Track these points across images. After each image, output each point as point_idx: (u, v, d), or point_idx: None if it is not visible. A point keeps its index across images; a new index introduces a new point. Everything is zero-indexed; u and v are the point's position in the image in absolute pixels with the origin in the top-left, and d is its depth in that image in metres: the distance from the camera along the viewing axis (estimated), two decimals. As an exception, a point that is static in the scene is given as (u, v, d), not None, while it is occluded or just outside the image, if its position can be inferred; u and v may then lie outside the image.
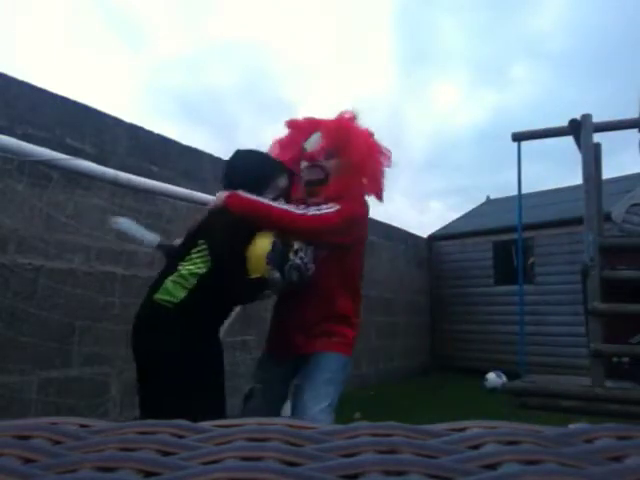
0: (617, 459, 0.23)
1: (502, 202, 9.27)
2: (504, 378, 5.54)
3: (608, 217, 3.12)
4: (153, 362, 1.48)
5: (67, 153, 1.93)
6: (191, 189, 2.38)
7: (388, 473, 0.21)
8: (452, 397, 5.43)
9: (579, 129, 2.95)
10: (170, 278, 1.50)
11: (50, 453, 0.23)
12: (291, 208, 1.59)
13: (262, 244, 1.53)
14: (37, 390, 2.72)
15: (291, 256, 1.59)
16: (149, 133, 3.59)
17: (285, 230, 1.57)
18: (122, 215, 3.06)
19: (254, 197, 1.56)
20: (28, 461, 0.23)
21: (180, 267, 1.52)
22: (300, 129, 1.80)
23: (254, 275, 1.51)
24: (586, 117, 2.94)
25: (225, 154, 3.75)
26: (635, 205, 2.95)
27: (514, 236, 5.64)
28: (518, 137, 3.28)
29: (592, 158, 2.94)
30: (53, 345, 2.75)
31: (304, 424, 0.27)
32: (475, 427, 0.26)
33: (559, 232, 6.90)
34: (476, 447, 0.24)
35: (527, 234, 6.35)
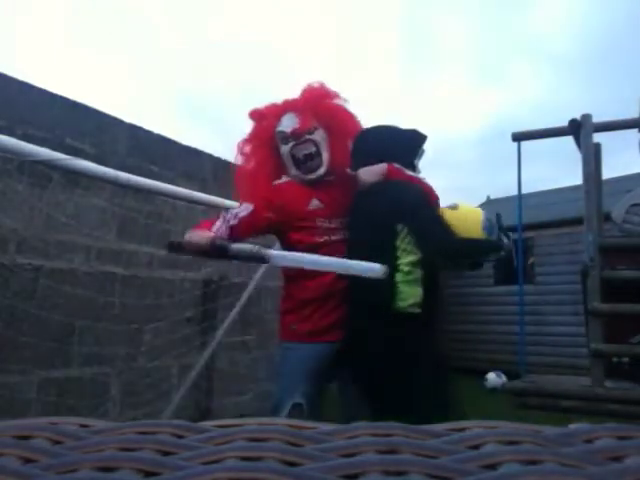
0: (617, 459, 0.23)
1: (502, 202, 9.26)
2: (504, 378, 5.54)
3: (608, 217, 3.12)
4: (412, 367, 1.37)
5: (67, 153, 1.93)
6: (191, 189, 2.38)
7: (388, 473, 0.21)
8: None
9: (579, 129, 2.95)
10: (398, 281, 1.39)
11: (50, 453, 0.23)
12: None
13: (473, 215, 1.50)
14: (37, 390, 2.72)
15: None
16: (149, 133, 3.59)
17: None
18: (122, 215, 3.07)
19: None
20: (28, 461, 0.23)
21: (397, 264, 1.40)
22: (267, 117, 1.70)
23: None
24: (586, 117, 2.94)
25: (225, 154, 3.73)
26: (635, 205, 2.94)
27: (514, 236, 5.62)
28: (518, 137, 3.28)
29: (592, 158, 2.94)
30: (53, 345, 2.75)
31: (304, 424, 0.27)
32: (475, 427, 0.26)
33: (559, 232, 6.89)
34: (476, 447, 0.24)
35: (527, 234, 6.35)
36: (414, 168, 1.60)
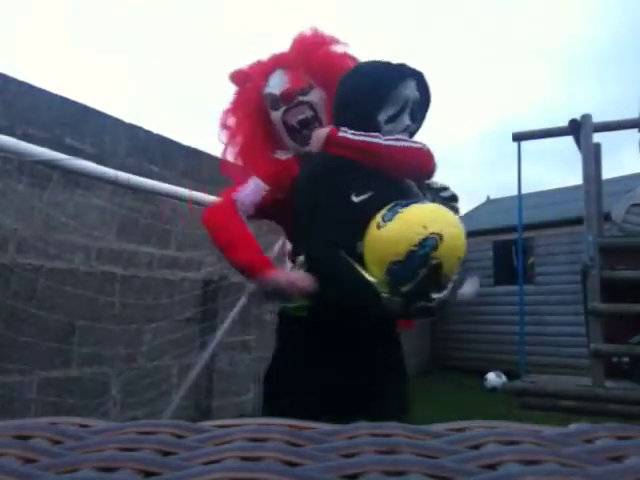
0: (617, 459, 0.23)
1: (502, 202, 9.26)
2: (504, 378, 5.54)
3: (608, 217, 3.12)
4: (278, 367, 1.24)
5: (67, 153, 1.93)
6: (191, 189, 2.38)
7: (388, 473, 0.21)
8: (452, 397, 5.43)
9: (579, 129, 2.95)
10: None
11: (50, 453, 0.23)
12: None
13: (389, 247, 0.99)
14: (37, 390, 2.72)
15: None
16: (149, 133, 3.58)
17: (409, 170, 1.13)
18: (122, 215, 3.07)
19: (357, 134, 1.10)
20: (28, 461, 0.23)
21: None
22: (252, 77, 1.37)
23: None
24: (586, 117, 2.95)
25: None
26: (635, 205, 2.95)
27: (514, 236, 5.64)
28: (518, 137, 3.29)
29: (592, 158, 2.95)
30: (53, 345, 2.75)
31: (304, 424, 0.27)
32: (475, 427, 0.26)
33: (559, 232, 6.90)
34: (476, 447, 0.24)
35: (527, 234, 6.35)
36: (377, 126, 1.13)
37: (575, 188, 5.57)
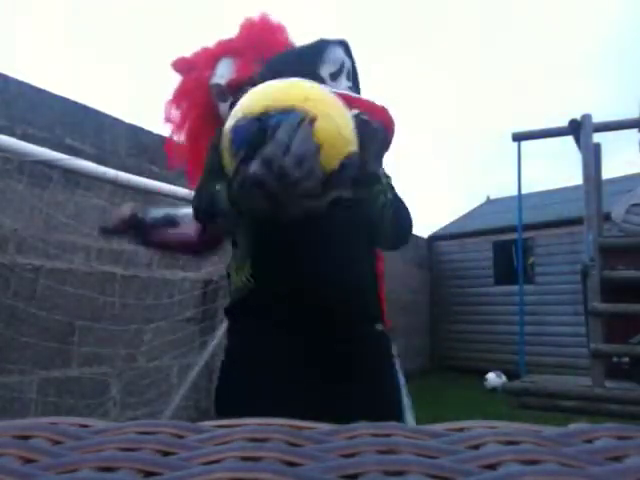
0: (617, 459, 0.23)
1: (502, 202, 9.27)
2: (504, 378, 5.55)
3: (608, 217, 3.12)
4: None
5: (67, 153, 1.93)
6: (191, 189, 2.37)
7: (388, 473, 0.21)
8: (452, 397, 5.43)
9: (579, 129, 2.95)
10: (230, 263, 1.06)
11: (50, 453, 0.23)
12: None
13: None
14: (37, 390, 2.72)
15: None
16: (149, 133, 3.58)
17: None
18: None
19: None
20: (28, 461, 0.23)
21: None
22: (197, 66, 1.26)
23: None
24: (586, 117, 2.95)
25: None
26: (635, 205, 2.95)
27: (514, 236, 5.64)
28: (518, 137, 3.29)
29: (592, 158, 2.95)
30: (53, 345, 2.75)
31: (304, 424, 0.27)
32: (475, 427, 0.26)
33: (559, 232, 6.90)
34: (476, 447, 0.24)
35: (527, 234, 6.36)
36: (323, 82, 1.07)
37: (575, 188, 5.57)
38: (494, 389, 5.56)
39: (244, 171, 0.69)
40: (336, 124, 0.72)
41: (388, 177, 0.97)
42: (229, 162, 0.76)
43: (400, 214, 0.96)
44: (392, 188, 0.95)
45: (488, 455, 0.22)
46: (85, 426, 0.27)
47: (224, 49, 1.24)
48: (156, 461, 0.22)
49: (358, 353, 0.93)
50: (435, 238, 8.67)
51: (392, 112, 1.05)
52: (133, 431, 0.26)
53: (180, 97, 1.28)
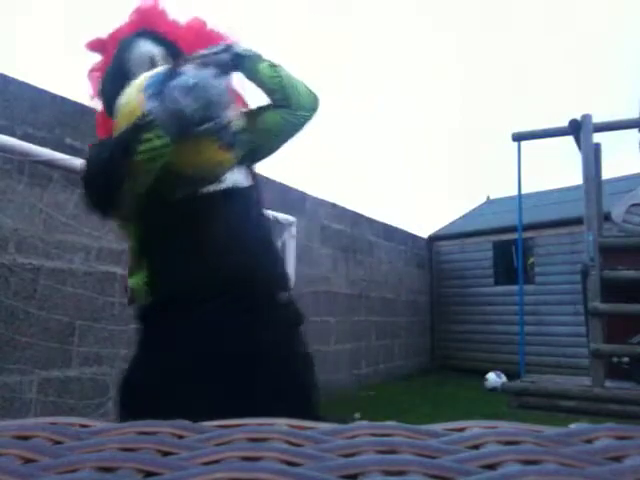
0: (617, 459, 0.23)
1: (502, 202, 9.27)
2: (504, 378, 5.55)
3: (608, 217, 3.12)
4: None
5: (67, 153, 1.93)
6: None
7: (388, 473, 0.21)
8: (452, 397, 5.43)
9: (579, 129, 2.96)
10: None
11: (50, 453, 0.23)
12: None
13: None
14: (37, 390, 2.72)
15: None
16: (149, 133, 3.58)
17: None
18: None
19: None
20: (28, 461, 0.23)
21: None
22: (108, 48, 1.22)
23: None
24: (586, 117, 2.95)
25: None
26: (635, 205, 2.95)
27: (514, 236, 5.65)
28: (518, 137, 3.29)
29: (592, 158, 2.95)
30: (53, 345, 2.75)
31: (304, 424, 0.27)
32: (475, 427, 0.26)
33: (559, 232, 6.90)
34: (476, 447, 0.24)
35: (527, 234, 6.35)
36: None
37: (575, 188, 5.57)
38: (494, 389, 5.56)
39: (174, 85, 0.85)
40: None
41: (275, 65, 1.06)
42: (135, 103, 0.88)
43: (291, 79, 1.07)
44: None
45: (488, 455, 0.22)
46: (85, 426, 0.27)
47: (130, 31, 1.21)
48: (156, 461, 0.22)
49: (264, 321, 0.95)
50: (435, 238, 8.67)
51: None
52: (133, 431, 0.26)
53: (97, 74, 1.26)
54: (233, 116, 0.94)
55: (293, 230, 3.57)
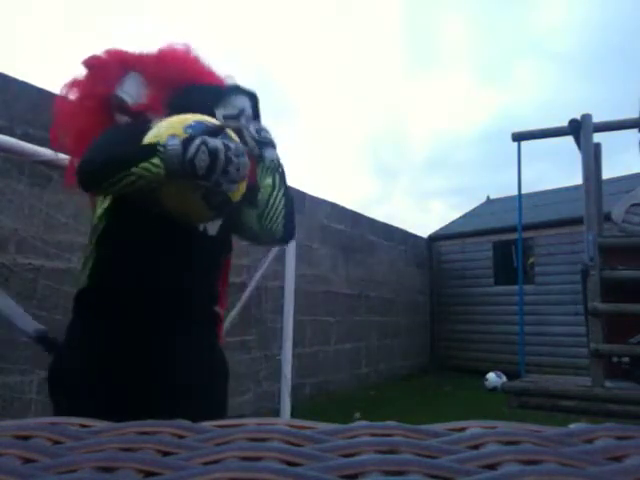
0: (617, 459, 0.23)
1: (502, 202, 9.28)
2: (504, 378, 5.55)
3: (608, 217, 3.12)
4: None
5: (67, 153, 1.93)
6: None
7: (388, 473, 0.21)
8: (452, 397, 5.43)
9: (579, 129, 2.95)
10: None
11: (50, 453, 0.23)
12: None
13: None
14: (37, 390, 2.72)
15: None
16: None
17: None
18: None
19: None
20: (28, 461, 0.23)
21: None
22: (108, 69, 1.20)
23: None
24: (586, 117, 2.95)
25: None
26: (635, 205, 2.95)
27: (514, 236, 5.64)
28: (518, 137, 3.29)
29: (592, 158, 2.95)
30: (53, 345, 2.75)
31: (304, 424, 0.27)
32: (475, 427, 0.26)
33: (559, 232, 6.90)
34: (476, 447, 0.24)
35: (527, 234, 6.36)
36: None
37: (575, 188, 5.57)
38: (494, 389, 5.56)
39: (204, 139, 0.92)
40: None
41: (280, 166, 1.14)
42: (166, 133, 0.96)
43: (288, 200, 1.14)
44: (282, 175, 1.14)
45: (488, 455, 0.22)
46: (85, 426, 0.27)
47: (137, 62, 1.21)
48: (156, 461, 0.22)
49: (195, 329, 1.10)
50: (435, 238, 8.67)
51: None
52: (133, 431, 0.26)
53: (83, 93, 1.26)
54: (233, 188, 1.00)
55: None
